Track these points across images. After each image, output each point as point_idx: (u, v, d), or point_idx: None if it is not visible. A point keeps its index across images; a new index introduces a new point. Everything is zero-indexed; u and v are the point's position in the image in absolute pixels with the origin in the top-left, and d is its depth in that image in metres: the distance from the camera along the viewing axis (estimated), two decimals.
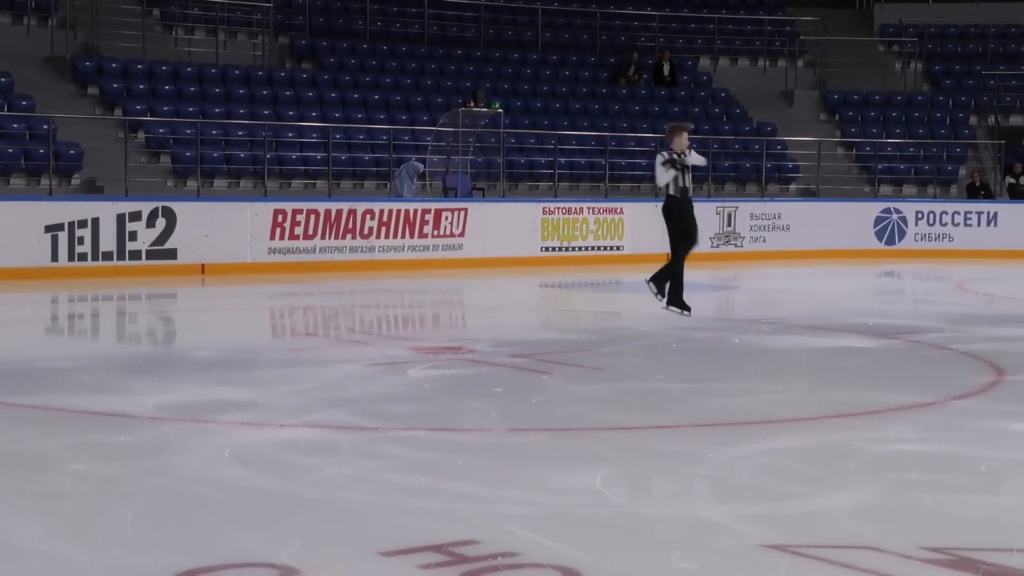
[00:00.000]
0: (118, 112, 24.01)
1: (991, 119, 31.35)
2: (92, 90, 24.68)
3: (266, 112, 25.05)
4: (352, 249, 21.11)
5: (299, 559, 5.39)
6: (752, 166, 28.13)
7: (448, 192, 23.94)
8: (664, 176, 13.58)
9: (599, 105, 29.09)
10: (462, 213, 22.20)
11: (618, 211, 23.88)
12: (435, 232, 21.89)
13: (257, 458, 7.29)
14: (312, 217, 20.76)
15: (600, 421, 8.73)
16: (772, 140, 29.08)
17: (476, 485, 6.71)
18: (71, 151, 22.04)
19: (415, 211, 21.77)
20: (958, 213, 26.64)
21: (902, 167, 29.69)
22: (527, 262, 22.55)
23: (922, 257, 25.95)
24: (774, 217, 25.55)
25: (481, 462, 7.31)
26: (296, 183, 24.04)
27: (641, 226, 23.96)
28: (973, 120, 31.81)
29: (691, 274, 21.71)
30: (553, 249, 23.15)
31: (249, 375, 10.34)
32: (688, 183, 13.71)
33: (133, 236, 19.30)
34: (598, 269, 22.81)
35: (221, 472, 6.98)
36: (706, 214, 24.86)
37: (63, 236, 18.78)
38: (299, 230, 20.62)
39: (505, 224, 22.80)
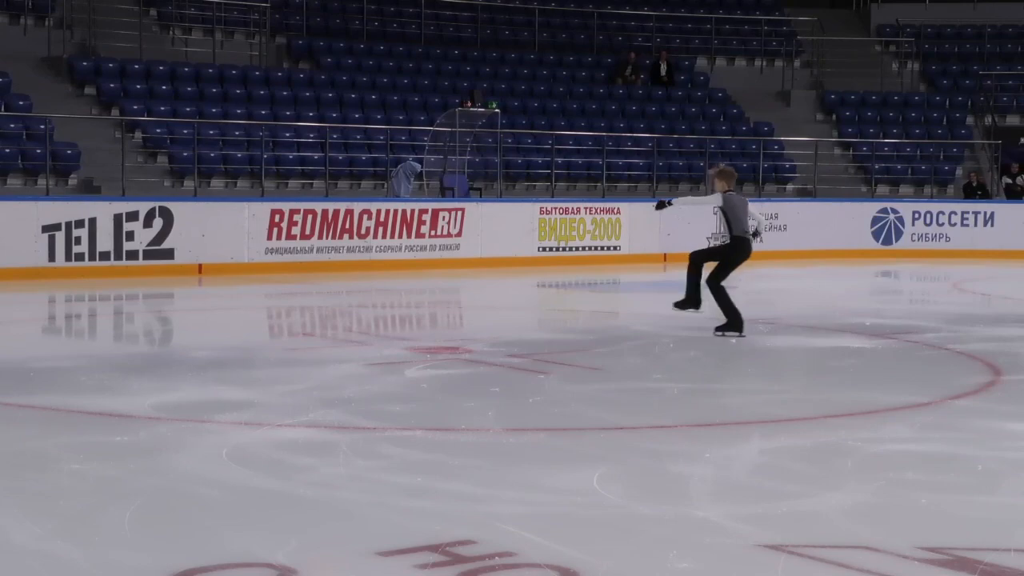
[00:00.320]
0: (115, 112, 24.01)
1: (988, 119, 31.38)
2: (89, 90, 24.68)
3: (263, 112, 25.05)
4: (349, 249, 21.12)
5: (296, 559, 5.39)
6: (749, 166, 28.13)
7: (445, 192, 23.95)
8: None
9: (596, 105, 29.10)
10: (459, 213, 22.21)
11: (615, 211, 23.89)
12: (432, 232, 21.90)
13: (254, 458, 7.29)
14: (309, 217, 20.77)
15: (597, 421, 8.74)
16: (769, 140, 29.09)
17: (473, 485, 6.71)
18: (68, 151, 22.05)
19: (412, 211, 21.78)
20: (955, 213, 26.66)
21: (899, 167, 29.70)
22: (524, 262, 22.56)
23: (919, 257, 25.96)
24: (771, 217, 25.54)
25: (478, 462, 7.31)
26: (293, 183, 24.04)
27: (638, 226, 23.98)
28: (970, 120, 31.83)
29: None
30: (550, 249, 23.16)
31: (246, 375, 10.34)
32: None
33: (130, 236, 19.30)
34: (595, 269, 22.82)
35: (218, 472, 6.98)
36: (704, 214, 24.88)
37: (60, 236, 18.78)
38: (296, 230, 20.62)
39: (502, 224, 22.80)
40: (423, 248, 21.84)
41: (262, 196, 21.98)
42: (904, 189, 29.40)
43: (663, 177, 27.11)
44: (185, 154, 22.95)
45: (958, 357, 11.92)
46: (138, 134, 23.61)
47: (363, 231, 21.26)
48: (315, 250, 20.79)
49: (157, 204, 19.74)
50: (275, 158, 23.90)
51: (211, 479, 6.79)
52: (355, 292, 18.60)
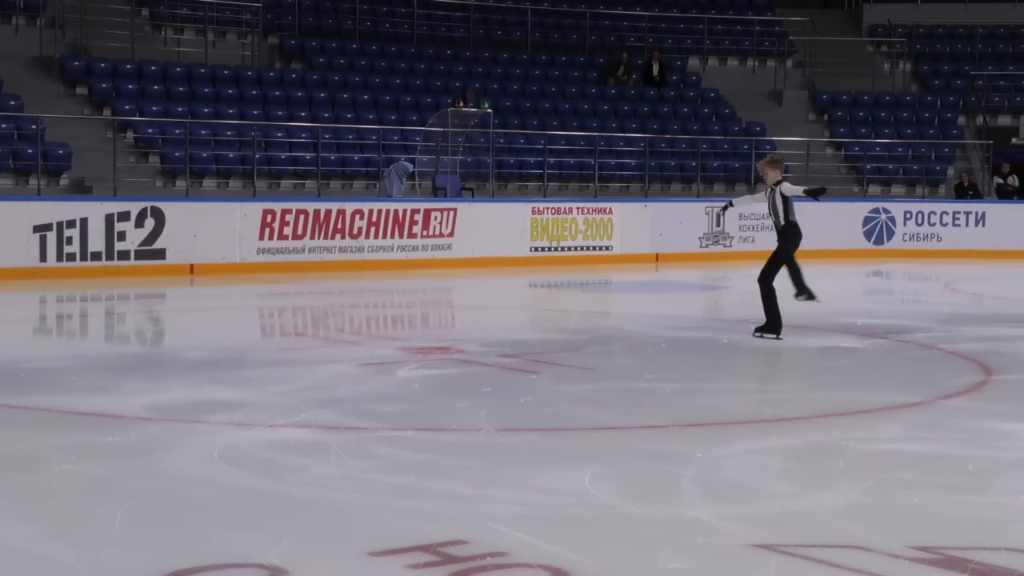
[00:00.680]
0: (107, 112, 23.98)
1: (979, 119, 31.42)
2: (81, 90, 24.65)
3: (255, 112, 25.03)
4: (341, 249, 21.10)
5: (288, 559, 5.39)
6: (741, 166, 28.15)
7: (437, 192, 23.94)
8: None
9: (588, 105, 29.11)
10: (451, 213, 22.21)
11: (607, 211, 23.89)
12: (424, 232, 21.89)
13: (246, 458, 7.28)
14: (301, 217, 20.75)
15: (589, 421, 8.74)
16: (761, 140, 29.09)
17: (465, 485, 6.71)
18: (59, 151, 22.01)
19: (404, 211, 21.77)
20: (946, 213, 26.69)
21: (891, 167, 29.73)
22: (516, 262, 22.56)
23: (910, 257, 25.99)
24: (763, 217, 25.52)
25: (470, 462, 7.31)
26: (285, 183, 24.02)
27: (630, 226, 23.99)
28: (961, 120, 31.87)
29: (680, 274, 21.83)
30: (542, 249, 23.16)
31: (238, 375, 10.34)
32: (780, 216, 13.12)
33: (122, 236, 19.27)
34: (587, 269, 22.82)
35: (210, 472, 6.98)
36: (695, 214, 24.93)
37: (51, 236, 18.75)
38: (288, 230, 20.61)
39: (494, 224, 22.79)
40: (415, 248, 21.83)
41: (254, 196, 21.97)
42: (896, 189, 29.43)
43: (655, 177, 27.12)
44: (177, 154, 22.92)
45: (949, 357, 11.94)
46: (130, 134, 23.58)
47: (355, 231, 21.25)
48: (307, 250, 20.78)
49: (149, 204, 19.71)
50: (267, 158, 23.88)
51: (203, 479, 6.79)
52: (347, 292, 18.59)
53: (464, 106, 25.58)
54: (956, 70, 33.03)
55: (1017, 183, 29.46)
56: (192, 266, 19.83)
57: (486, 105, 25.68)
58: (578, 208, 23.73)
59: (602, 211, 23.85)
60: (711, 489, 6.78)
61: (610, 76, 30.40)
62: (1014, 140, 31.53)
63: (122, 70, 25.09)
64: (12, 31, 25.52)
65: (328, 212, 21.04)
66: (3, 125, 22.11)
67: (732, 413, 9.05)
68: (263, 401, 9.10)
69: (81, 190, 21.82)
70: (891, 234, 26.55)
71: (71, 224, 18.89)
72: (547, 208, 23.41)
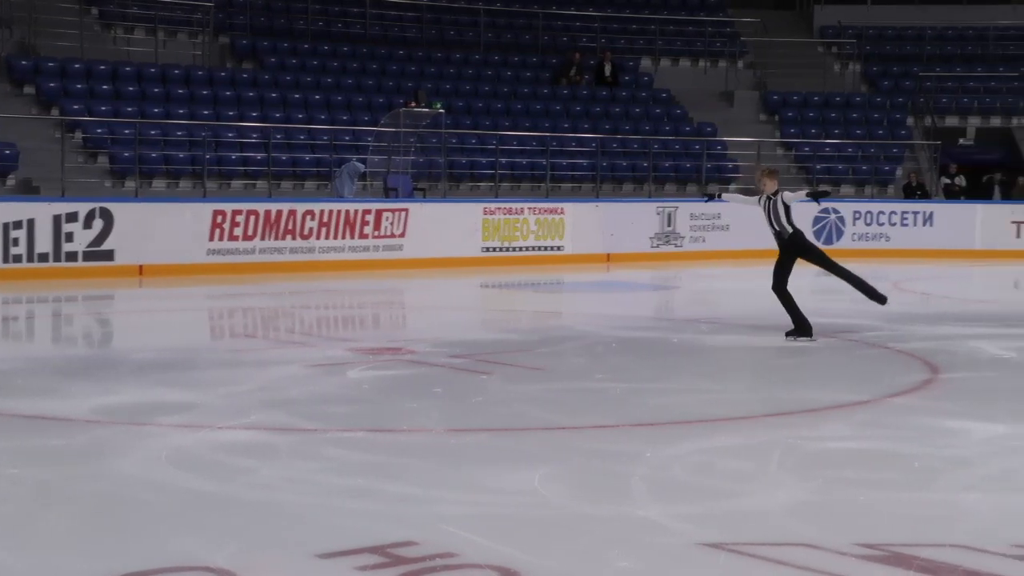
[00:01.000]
0: (55, 112, 23.79)
1: (927, 120, 31.67)
2: (28, 89, 24.44)
3: (206, 112, 24.90)
4: (292, 250, 21.03)
5: (236, 562, 5.37)
6: (692, 166, 28.27)
7: (389, 192, 23.90)
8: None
9: (540, 105, 29.13)
10: (403, 214, 22.17)
11: (559, 211, 23.92)
12: (376, 233, 21.84)
13: (195, 460, 7.25)
14: (252, 218, 20.66)
15: (540, 421, 8.76)
16: (712, 140, 29.23)
17: (415, 486, 6.70)
18: (7, 151, 21.82)
19: (355, 212, 21.72)
20: (895, 213, 26.89)
21: (840, 167, 29.92)
22: (468, 262, 22.55)
23: (860, 257, 26.09)
24: (714, 217, 25.67)
25: (420, 463, 7.31)
26: (236, 183, 23.91)
27: (581, 226, 24.03)
28: (910, 121, 32.11)
29: (631, 274, 21.88)
30: (494, 249, 23.17)
31: (187, 377, 10.28)
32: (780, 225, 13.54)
33: (70, 237, 19.10)
34: (539, 269, 22.85)
35: (158, 475, 6.94)
36: (646, 214, 25.01)
37: None
38: (239, 231, 20.51)
39: (446, 224, 22.78)
40: (366, 249, 21.77)
41: (204, 197, 21.85)
42: (845, 189, 29.61)
43: (607, 177, 27.19)
44: (126, 154, 22.77)
45: (897, 355, 12.03)
46: (78, 134, 23.39)
47: (306, 232, 21.17)
48: (257, 251, 20.68)
49: (97, 205, 19.55)
50: (217, 158, 23.76)
51: (151, 482, 6.75)
52: (298, 293, 18.52)
53: (416, 106, 25.55)
54: (905, 71, 33.28)
55: (964, 183, 29.73)
56: (141, 267, 19.70)
57: (438, 105, 25.66)
58: (530, 208, 23.75)
59: (554, 211, 23.87)
60: (661, 488, 6.81)
61: (562, 76, 30.45)
62: (961, 141, 31.82)
63: (71, 69, 24.90)
64: None
65: (279, 213, 20.96)
66: None
67: (682, 413, 9.09)
68: (212, 403, 9.06)
69: (29, 190, 21.63)
70: (840, 234, 26.72)
71: (18, 225, 18.71)
72: (499, 208, 23.41)
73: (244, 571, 5.25)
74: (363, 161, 23.93)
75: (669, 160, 28.56)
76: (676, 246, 25.12)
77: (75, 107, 23.73)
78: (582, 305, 18.37)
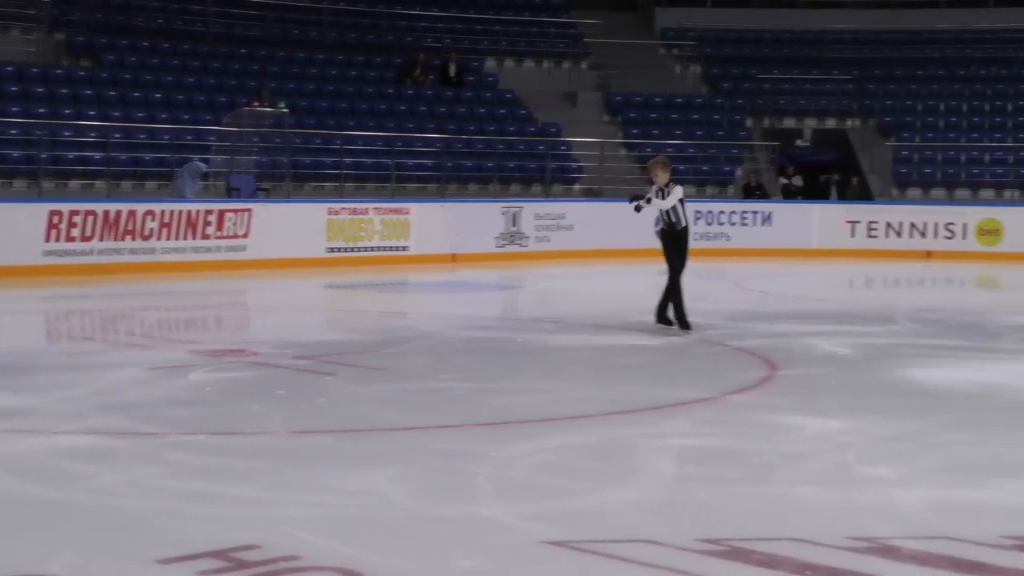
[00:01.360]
0: None
1: (766, 121, 32.31)
2: None
3: (41, 110, 24.33)
4: (132, 251, 20.64)
5: (74, 569, 5.27)
6: (537, 166, 28.44)
7: (232, 192, 23.60)
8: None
9: (386, 105, 29.05)
10: (246, 214, 21.92)
11: (404, 212, 23.88)
12: (218, 233, 21.56)
13: (30, 466, 7.09)
14: (90, 218, 20.23)
15: (384, 421, 8.74)
16: (557, 141, 29.45)
17: (258, 489, 6.64)
18: None
19: (197, 212, 21.41)
20: (735, 213, 27.38)
21: (682, 167, 30.26)
22: (312, 263, 22.37)
23: (701, 256, 26.36)
24: (558, 217, 25.87)
25: (263, 465, 7.24)
26: (74, 183, 23.41)
27: (427, 227, 24.01)
28: (749, 122, 32.72)
29: (477, 274, 21.95)
30: (339, 250, 23.03)
31: (22, 381, 10.02)
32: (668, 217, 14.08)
33: None
34: (384, 270, 22.77)
35: None
36: (492, 215, 25.09)
37: None
38: (76, 232, 20.06)
39: (290, 225, 22.58)
40: (209, 249, 21.47)
41: (40, 197, 21.34)
42: (687, 189, 29.95)
43: (452, 178, 27.22)
44: None
45: (737, 353, 12.25)
46: None
47: (147, 232, 20.80)
48: (96, 252, 20.26)
49: None
50: (54, 158, 23.22)
51: None
52: (138, 295, 18.19)
53: (260, 106, 25.28)
54: (744, 73, 33.91)
55: (801, 184, 30.40)
56: None
57: (282, 105, 25.43)
58: (375, 208, 23.66)
59: (399, 211, 23.82)
60: (505, 488, 6.84)
61: (407, 76, 30.40)
62: (798, 142, 32.54)
63: None
64: None
65: (118, 213, 20.56)
66: None
67: (526, 412, 9.14)
68: (49, 407, 8.86)
69: None
70: None
71: None
72: (343, 208, 23.28)
73: None
74: (205, 161, 23.61)
75: (514, 160, 28.70)
76: (521, 246, 25.25)
77: None
78: (427, 305, 18.37)
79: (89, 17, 28.35)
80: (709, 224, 27.26)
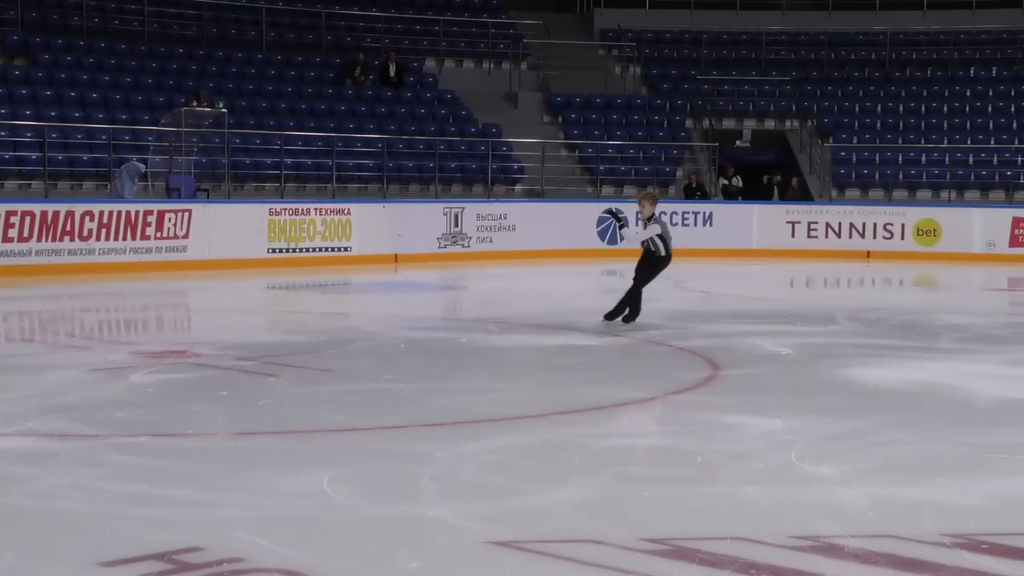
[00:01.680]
0: None
1: (705, 122, 32.47)
2: None
3: None
4: (71, 252, 20.44)
5: (14, 573, 5.20)
6: (478, 167, 28.43)
7: (171, 193, 23.44)
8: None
9: (325, 106, 28.95)
10: (186, 214, 21.77)
11: (345, 212, 23.81)
12: (158, 234, 21.39)
13: None
14: (27, 219, 20.02)
15: (327, 423, 8.70)
16: (497, 141, 29.44)
17: (201, 491, 6.60)
18: None
19: (137, 212, 21.24)
20: (676, 213, 27.47)
21: (623, 168, 30.46)
22: (254, 264, 22.26)
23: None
24: (500, 218, 25.89)
25: (206, 467, 7.19)
26: (10, 184, 23.15)
27: (368, 227, 23.95)
28: (689, 123, 32.87)
29: (419, 274, 21.92)
30: (280, 251, 22.93)
31: None
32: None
33: None
34: (326, 270, 22.70)
35: None
36: (433, 215, 25.07)
37: None
38: (13, 232, 19.85)
39: (231, 225, 22.45)
40: (149, 250, 21.31)
41: None
42: (628, 190, 30.12)
43: (393, 178, 27.16)
44: None
45: (680, 353, 12.31)
46: None
47: (85, 233, 20.61)
48: (33, 253, 20.05)
49: None
50: None
51: None
52: (77, 296, 18.02)
53: (198, 106, 25.11)
54: (684, 75, 34.05)
55: (741, 184, 30.56)
56: None
57: (220, 105, 25.28)
58: (316, 209, 23.58)
59: (340, 212, 23.75)
60: (450, 488, 6.83)
61: (347, 77, 30.30)
62: (738, 142, 32.72)
63: None
64: None
65: (56, 214, 20.36)
66: None
67: (470, 412, 9.13)
68: None
69: None
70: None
71: None
72: (285, 209, 23.18)
73: None
74: (144, 161, 23.44)
75: (455, 161, 28.68)
76: (463, 246, 25.24)
77: None
78: (370, 306, 18.31)
79: (24, 16, 28.05)
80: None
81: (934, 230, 27.23)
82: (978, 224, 27.32)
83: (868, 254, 27.13)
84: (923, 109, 32.87)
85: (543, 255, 25.58)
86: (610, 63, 34.62)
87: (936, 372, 11.20)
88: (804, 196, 30.29)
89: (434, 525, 6.09)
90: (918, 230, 27.27)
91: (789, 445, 7.96)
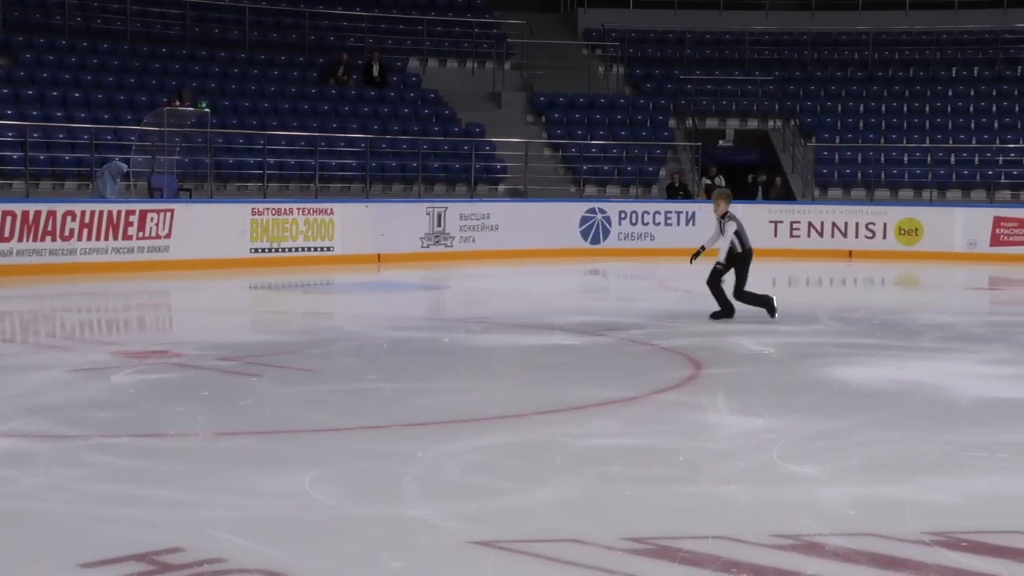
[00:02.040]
0: None
1: (689, 122, 32.50)
2: None
3: None
4: (52, 252, 20.39)
5: None
6: (462, 167, 28.43)
7: (153, 193, 23.40)
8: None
9: (308, 105, 28.92)
10: (168, 214, 21.72)
11: (328, 212, 23.78)
12: (140, 234, 21.34)
13: None
14: (9, 219, 19.96)
15: (310, 423, 8.69)
16: (481, 141, 29.44)
17: (182, 491, 6.58)
18: None
19: (119, 212, 21.19)
20: (659, 213, 27.52)
21: (606, 168, 30.47)
22: (236, 264, 22.22)
23: (625, 256, 26.70)
24: (483, 217, 25.89)
25: (188, 467, 7.18)
26: None
27: (351, 227, 23.93)
28: (672, 123, 32.90)
29: (402, 274, 21.90)
30: (263, 250, 22.89)
31: None
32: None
33: None
34: (309, 270, 22.67)
35: None
36: (416, 215, 25.06)
37: None
38: None
39: (213, 225, 22.41)
40: (131, 250, 21.26)
41: None
42: (611, 189, 30.18)
43: (376, 178, 27.14)
44: None
45: (662, 352, 12.32)
46: None
47: (67, 233, 20.55)
48: (15, 253, 20.00)
49: None
50: None
51: None
52: (59, 296, 17.97)
53: (180, 105, 25.06)
54: (667, 74, 34.08)
55: (724, 183, 30.57)
56: None
57: (203, 104, 25.23)
58: (299, 209, 23.55)
59: (323, 212, 23.73)
60: (433, 488, 6.83)
61: (330, 76, 30.28)
62: (721, 142, 32.77)
63: None
64: None
65: (37, 213, 20.30)
66: None
67: (453, 412, 9.13)
68: None
69: None
70: (607, 233, 27.24)
71: None
72: (267, 209, 23.15)
73: None
74: (126, 161, 23.38)
75: (438, 161, 28.67)
76: (446, 246, 25.24)
77: None
78: (353, 306, 18.29)
79: (5, 15, 27.96)
80: (633, 224, 27.41)
81: (916, 229, 27.30)
82: (960, 223, 27.42)
83: (850, 253, 27.19)
84: (905, 109, 32.95)
85: (526, 255, 25.58)
86: (593, 63, 34.63)
87: (918, 371, 11.23)
88: (787, 196, 30.34)
89: (416, 525, 6.09)
90: (900, 229, 27.34)
91: (771, 444, 7.97)
